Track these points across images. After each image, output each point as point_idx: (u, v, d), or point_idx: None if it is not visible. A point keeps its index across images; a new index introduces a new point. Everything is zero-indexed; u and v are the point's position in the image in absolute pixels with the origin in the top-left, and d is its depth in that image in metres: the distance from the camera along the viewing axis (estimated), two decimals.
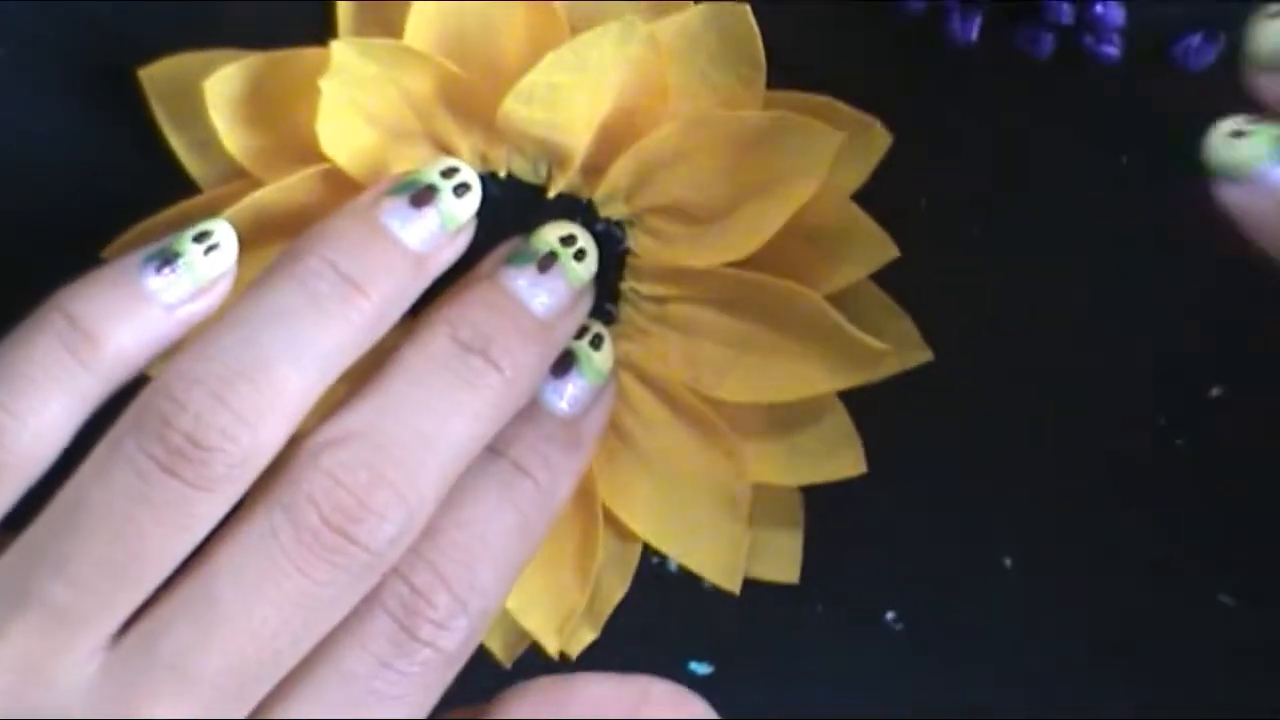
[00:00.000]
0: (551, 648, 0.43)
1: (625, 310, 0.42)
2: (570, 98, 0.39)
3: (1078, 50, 0.43)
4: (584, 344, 0.40)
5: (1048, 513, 0.46)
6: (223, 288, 0.37)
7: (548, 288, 0.39)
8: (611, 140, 0.41)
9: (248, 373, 0.34)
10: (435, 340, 0.37)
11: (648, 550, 0.44)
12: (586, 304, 0.40)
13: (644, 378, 0.43)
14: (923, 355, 0.43)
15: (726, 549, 0.43)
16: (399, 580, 0.36)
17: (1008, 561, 0.46)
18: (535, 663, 0.44)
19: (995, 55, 0.42)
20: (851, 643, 0.46)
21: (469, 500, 0.37)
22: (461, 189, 0.38)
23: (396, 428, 0.36)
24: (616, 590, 0.44)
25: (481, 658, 0.44)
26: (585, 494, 0.43)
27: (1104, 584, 0.46)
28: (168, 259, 0.36)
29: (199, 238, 0.37)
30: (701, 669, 0.46)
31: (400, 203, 0.37)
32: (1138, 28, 0.43)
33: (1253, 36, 0.37)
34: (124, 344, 0.36)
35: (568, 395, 0.40)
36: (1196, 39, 0.43)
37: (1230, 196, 0.36)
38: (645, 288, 0.42)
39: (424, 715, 0.36)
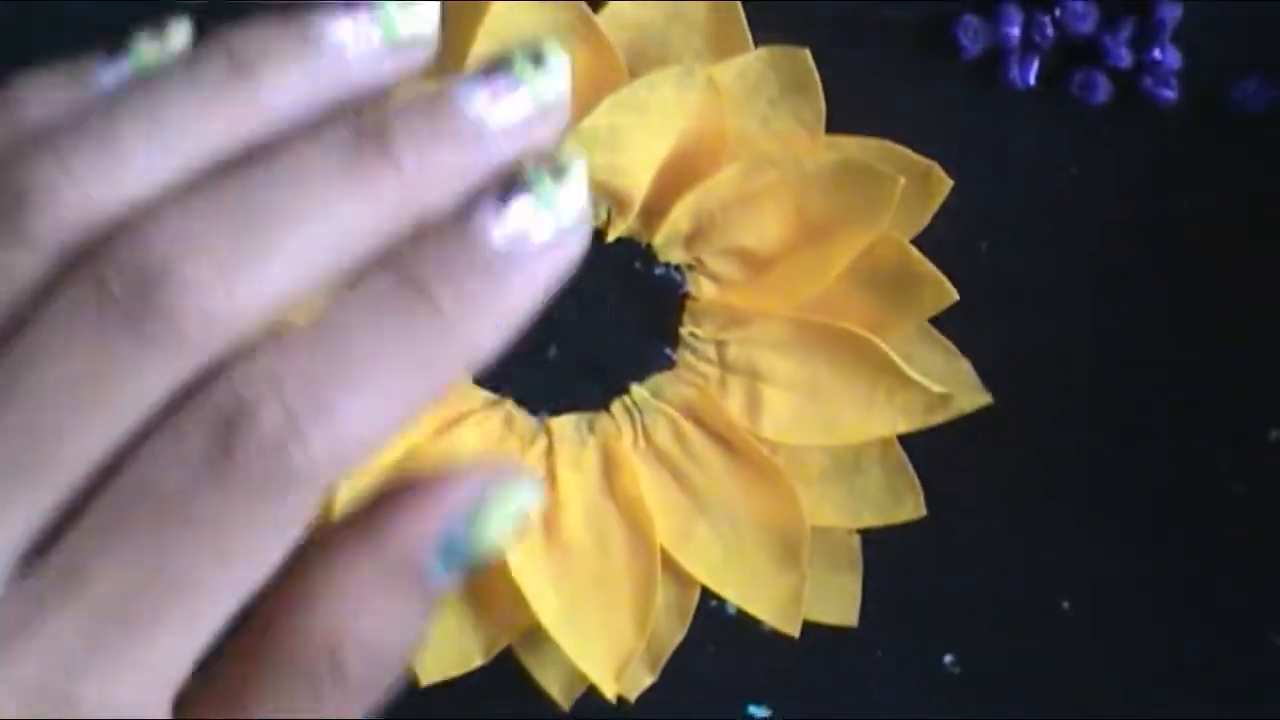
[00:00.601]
0: (609, 691, 0.43)
1: (684, 355, 0.42)
2: (630, 140, 0.39)
3: (1136, 94, 0.43)
4: (543, 169, 0.32)
5: (1105, 556, 0.45)
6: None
7: (492, 88, 0.32)
8: (672, 184, 0.41)
9: (92, 131, 0.31)
10: (334, 128, 0.31)
11: (706, 593, 0.44)
12: (553, 123, 0.32)
13: (703, 422, 0.43)
14: (982, 399, 0.42)
15: (785, 593, 0.43)
16: (228, 385, 0.30)
17: (1065, 604, 0.46)
18: (593, 705, 0.44)
19: (1054, 99, 0.43)
20: (909, 686, 0.46)
21: (341, 313, 0.30)
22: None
23: (242, 199, 0.30)
24: (675, 634, 0.44)
25: (541, 700, 0.44)
26: (643, 537, 0.43)
27: (1160, 626, 0.46)
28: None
29: None
30: (760, 712, 0.46)
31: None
32: (1195, 71, 0.43)
33: None
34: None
35: (507, 224, 0.31)
36: (1254, 82, 0.43)
37: None
38: (705, 331, 0.42)
39: (238, 560, 0.30)
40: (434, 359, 0.30)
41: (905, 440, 0.43)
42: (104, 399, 0.30)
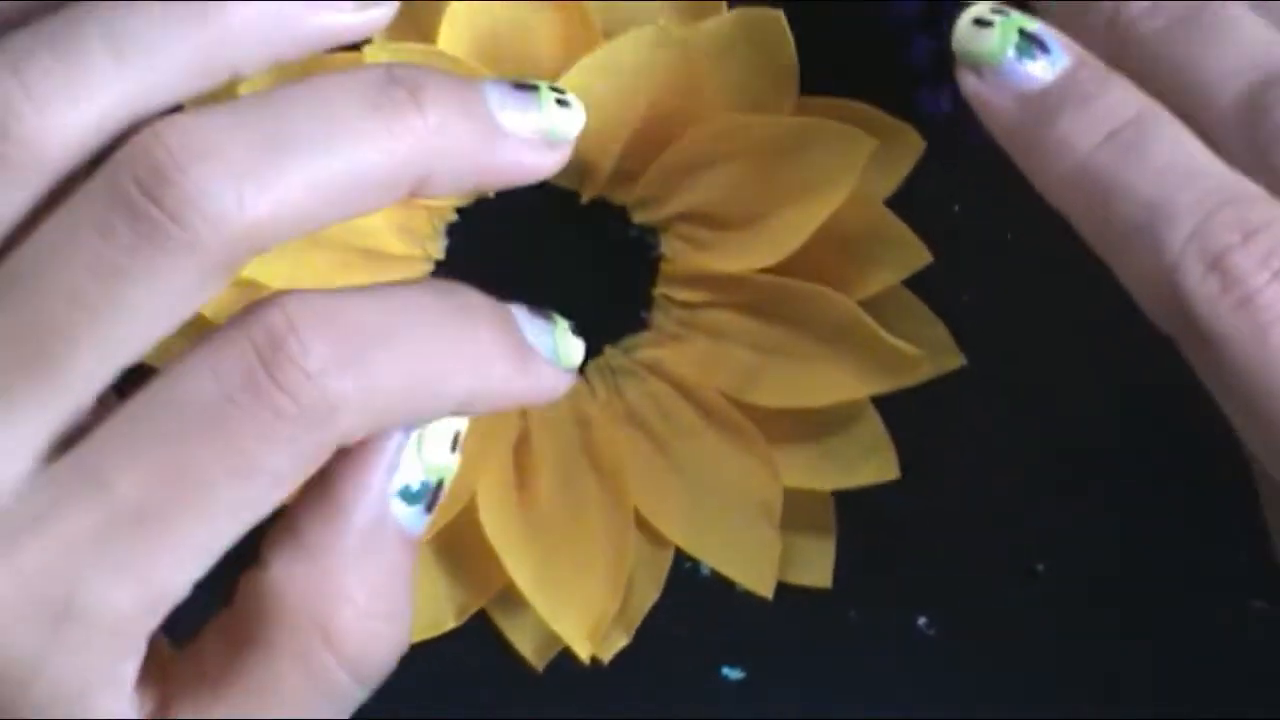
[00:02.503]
0: (583, 653, 0.43)
1: (658, 316, 0.42)
2: (603, 102, 0.39)
3: None
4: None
5: (1079, 518, 0.46)
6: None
7: (517, 102, 0.34)
8: (644, 146, 0.41)
9: (54, 51, 0.31)
10: (365, 70, 0.33)
11: (680, 555, 0.44)
12: (555, 158, 0.35)
13: (676, 383, 0.43)
14: (955, 360, 0.42)
15: (759, 554, 0.43)
16: (278, 311, 0.31)
17: (1040, 567, 0.46)
18: (567, 667, 0.44)
19: None
20: (884, 648, 0.46)
21: (392, 291, 0.33)
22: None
23: (263, 119, 0.31)
24: (648, 595, 0.44)
25: (514, 663, 0.44)
26: (617, 498, 0.43)
27: (1136, 589, 0.46)
28: None
29: None
30: (734, 674, 0.46)
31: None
32: None
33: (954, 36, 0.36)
34: None
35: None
36: None
37: (971, 86, 0.35)
38: (678, 293, 0.42)
39: (252, 487, 0.31)
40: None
41: (879, 401, 0.43)
42: (115, 300, 0.30)
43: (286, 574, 0.33)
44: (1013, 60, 0.34)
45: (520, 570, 0.43)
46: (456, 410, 0.33)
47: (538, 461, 0.43)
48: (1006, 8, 0.35)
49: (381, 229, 0.41)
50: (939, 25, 0.42)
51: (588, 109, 0.39)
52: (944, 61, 0.42)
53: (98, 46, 0.31)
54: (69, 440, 0.31)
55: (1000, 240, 0.44)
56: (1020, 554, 0.46)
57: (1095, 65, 0.34)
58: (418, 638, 0.44)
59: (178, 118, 0.31)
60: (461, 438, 0.35)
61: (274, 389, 0.31)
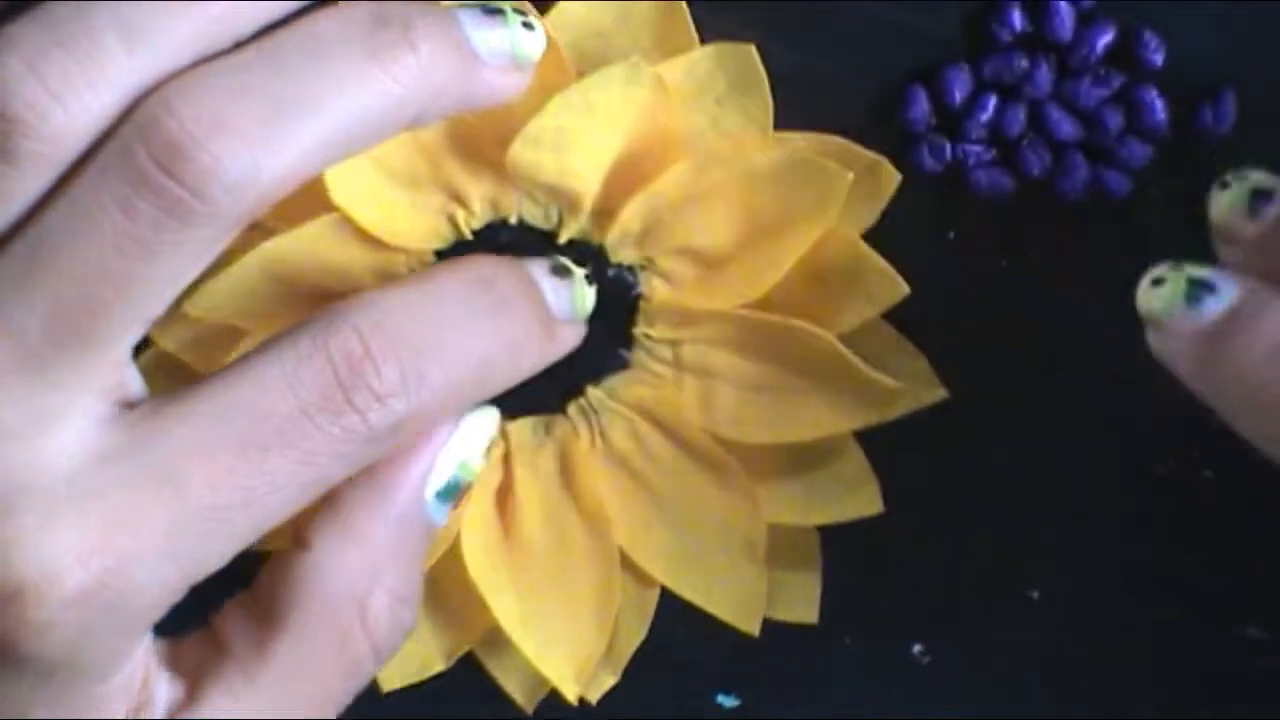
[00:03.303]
0: (570, 694, 0.43)
1: (638, 355, 0.42)
2: (578, 141, 0.39)
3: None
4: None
5: (1073, 546, 0.45)
6: None
7: (489, 25, 0.35)
8: (622, 184, 0.41)
9: (66, 43, 0.32)
10: (354, 10, 0.33)
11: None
12: (520, 79, 0.36)
13: (658, 422, 0.43)
14: (937, 393, 0.42)
15: (744, 591, 0.43)
16: (354, 334, 0.33)
17: (1034, 594, 0.46)
18: (558, 707, 0.43)
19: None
20: (878, 675, 0.46)
21: (440, 297, 0.35)
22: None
23: (268, 81, 0.32)
24: (635, 634, 0.44)
25: (505, 703, 0.44)
26: (602, 538, 0.43)
27: (1130, 617, 0.46)
28: None
29: None
30: (729, 701, 0.46)
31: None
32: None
33: (1210, 205, 0.38)
34: None
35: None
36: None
37: (1153, 342, 0.36)
38: (658, 332, 0.42)
39: (309, 489, 0.33)
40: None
41: (864, 436, 0.43)
42: (143, 273, 0.32)
43: (332, 557, 0.35)
44: (1184, 307, 0.35)
45: (505, 612, 0.42)
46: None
47: (521, 503, 0.43)
48: (1181, 262, 0.36)
49: (361, 269, 0.41)
50: (938, 83, 0.42)
51: (564, 148, 0.39)
52: (942, 120, 0.42)
53: (110, 35, 0.32)
54: (120, 402, 0.33)
55: (984, 269, 0.44)
56: (1014, 581, 0.46)
57: (1257, 291, 0.35)
58: (405, 682, 0.44)
59: (184, 85, 0.32)
60: (495, 441, 0.38)
61: (350, 410, 0.33)
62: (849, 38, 0.43)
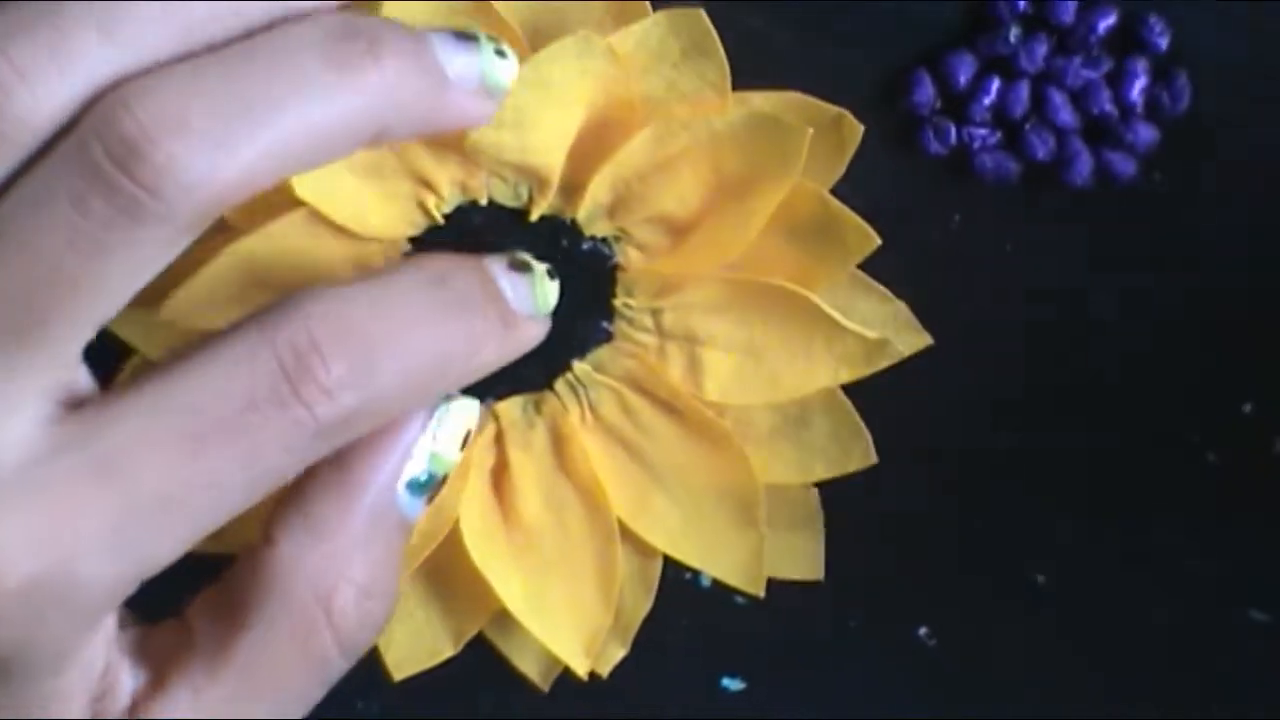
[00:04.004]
0: (581, 669, 0.43)
1: (621, 326, 0.42)
2: (537, 118, 0.39)
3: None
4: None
5: (1079, 529, 0.45)
6: None
7: (461, 51, 0.35)
8: (587, 157, 0.41)
9: (40, 29, 0.32)
10: (323, 21, 0.33)
11: (679, 565, 0.44)
12: (490, 106, 0.36)
13: (646, 391, 0.43)
14: (922, 339, 0.42)
15: (746, 554, 0.43)
16: (302, 327, 0.33)
17: (1040, 578, 0.46)
18: (572, 683, 0.44)
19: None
20: (884, 658, 0.46)
21: (393, 292, 0.34)
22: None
23: (229, 84, 0.32)
24: (641, 605, 0.44)
25: (522, 684, 0.45)
26: (600, 511, 0.43)
27: (1135, 600, 0.45)
28: None
29: None
30: (734, 684, 0.46)
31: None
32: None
33: None
34: None
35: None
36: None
37: None
38: (638, 301, 0.42)
39: (259, 482, 0.33)
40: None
41: (872, 428, 0.43)
42: (95, 272, 0.32)
43: (296, 552, 0.34)
44: None
45: (510, 593, 0.43)
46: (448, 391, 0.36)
47: (517, 483, 0.43)
48: None
49: (336, 261, 0.41)
50: (942, 66, 0.42)
51: (524, 125, 0.39)
52: (947, 104, 0.42)
53: (86, 25, 0.32)
54: (68, 400, 0.33)
55: (997, 252, 0.44)
56: (1021, 564, 0.46)
57: None
58: (416, 668, 0.44)
59: (145, 83, 0.32)
60: (472, 436, 0.37)
61: (296, 403, 0.32)
62: (853, 22, 0.43)
